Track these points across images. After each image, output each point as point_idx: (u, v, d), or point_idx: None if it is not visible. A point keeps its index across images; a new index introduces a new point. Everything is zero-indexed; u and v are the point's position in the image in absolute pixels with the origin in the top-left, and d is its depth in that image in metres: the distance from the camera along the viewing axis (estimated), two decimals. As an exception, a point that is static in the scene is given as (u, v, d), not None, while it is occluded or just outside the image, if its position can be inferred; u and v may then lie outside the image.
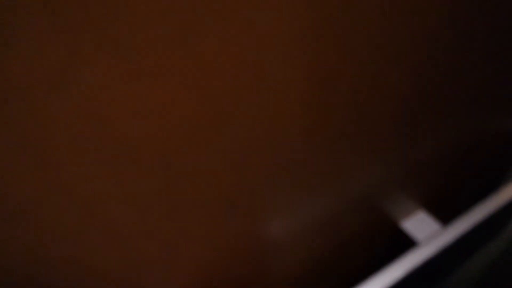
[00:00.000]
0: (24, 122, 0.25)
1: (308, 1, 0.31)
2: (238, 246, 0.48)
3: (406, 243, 0.83)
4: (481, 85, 0.63)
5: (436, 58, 0.49)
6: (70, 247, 0.33)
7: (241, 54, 0.31)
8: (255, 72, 0.33)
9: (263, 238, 0.51)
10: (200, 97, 0.31)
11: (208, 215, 0.41)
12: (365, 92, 0.44)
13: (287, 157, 0.43)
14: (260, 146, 0.39)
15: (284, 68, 0.35)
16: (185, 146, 0.33)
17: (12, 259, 0.32)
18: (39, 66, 0.23)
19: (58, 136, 0.27)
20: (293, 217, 0.53)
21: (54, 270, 0.34)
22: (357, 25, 0.37)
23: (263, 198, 0.45)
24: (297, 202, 0.51)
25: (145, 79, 0.27)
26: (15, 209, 0.29)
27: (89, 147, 0.28)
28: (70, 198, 0.30)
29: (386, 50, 0.42)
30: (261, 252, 0.54)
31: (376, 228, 0.77)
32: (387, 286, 0.66)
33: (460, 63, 0.53)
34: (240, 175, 0.40)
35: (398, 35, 0.41)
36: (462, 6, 0.44)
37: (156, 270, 0.41)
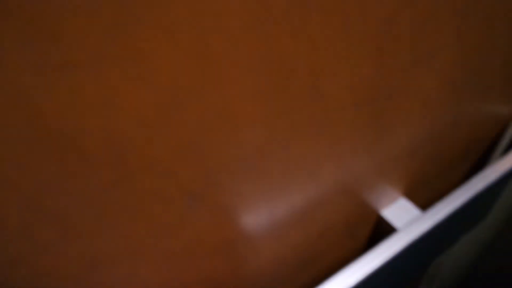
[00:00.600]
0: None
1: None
2: (206, 240, 0.47)
3: (387, 231, 0.83)
4: (455, 68, 0.63)
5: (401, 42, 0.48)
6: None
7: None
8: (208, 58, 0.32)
9: (234, 231, 0.50)
10: (146, 87, 0.30)
11: (169, 209, 0.40)
12: (329, 76, 0.44)
13: (253, 145, 0.43)
14: (219, 134, 0.39)
15: (231, 56, 0.34)
16: (134, 138, 0.33)
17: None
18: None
19: (-8, 128, 0.26)
20: (267, 208, 0.53)
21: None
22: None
23: (229, 189, 0.45)
24: (270, 193, 0.51)
25: (80, 70, 0.26)
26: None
27: (24, 141, 0.27)
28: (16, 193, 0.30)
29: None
30: (234, 246, 0.53)
31: (356, 218, 0.76)
32: (366, 274, 0.66)
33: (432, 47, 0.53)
34: (199, 165, 0.39)
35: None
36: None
37: (118, 268, 0.41)
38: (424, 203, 0.97)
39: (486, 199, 0.85)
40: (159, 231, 0.41)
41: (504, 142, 1.03)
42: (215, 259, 0.51)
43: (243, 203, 0.48)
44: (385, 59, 0.49)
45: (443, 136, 0.80)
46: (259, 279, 0.65)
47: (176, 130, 0.35)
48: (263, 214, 0.53)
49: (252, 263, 0.59)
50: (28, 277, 0.34)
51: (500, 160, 0.81)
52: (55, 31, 0.24)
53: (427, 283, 1.45)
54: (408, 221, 0.77)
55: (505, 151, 1.06)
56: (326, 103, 0.46)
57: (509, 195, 1.16)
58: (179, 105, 0.34)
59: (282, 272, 0.70)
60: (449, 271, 1.39)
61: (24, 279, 0.34)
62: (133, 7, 0.26)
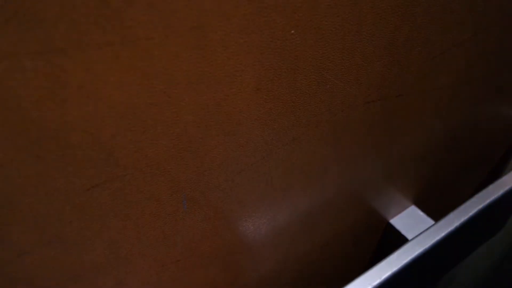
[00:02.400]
0: None
1: None
2: (202, 248, 0.44)
3: (397, 240, 0.78)
4: (472, 67, 0.59)
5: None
6: None
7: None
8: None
9: (232, 238, 0.47)
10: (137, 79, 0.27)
11: (162, 213, 0.37)
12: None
13: (254, 145, 0.39)
14: (217, 132, 0.35)
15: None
16: (124, 134, 0.30)
17: None
18: None
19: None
20: (268, 215, 0.49)
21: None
22: None
23: (228, 192, 0.41)
24: (272, 198, 0.47)
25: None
26: None
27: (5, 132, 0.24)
28: None
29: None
30: (232, 255, 0.50)
31: (364, 226, 0.73)
32: (376, 285, 0.62)
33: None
34: (195, 166, 0.36)
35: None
36: None
37: (104, 279, 0.37)
38: (436, 213, 0.93)
39: (503, 209, 0.81)
40: (150, 237, 0.38)
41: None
42: (211, 269, 0.48)
43: (242, 208, 0.44)
44: (397, 55, 0.45)
45: (457, 141, 0.76)
46: (260, 290, 0.61)
47: (171, 126, 0.32)
48: (263, 221, 0.49)
49: (251, 273, 0.56)
50: None
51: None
52: (35, 12, 0.21)
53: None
54: (419, 231, 0.73)
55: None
56: (334, 99, 0.43)
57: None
58: (174, 99, 0.30)
59: (285, 282, 0.66)
60: (462, 286, 1.34)
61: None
62: (118, -17, 0.23)
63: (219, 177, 0.39)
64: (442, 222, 0.69)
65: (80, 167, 0.29)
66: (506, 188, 0.74)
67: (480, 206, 0.71)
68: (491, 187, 0.73)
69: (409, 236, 0.71)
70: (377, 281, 0.60)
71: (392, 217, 0.77)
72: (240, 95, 0.34)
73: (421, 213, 0.76)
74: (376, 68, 0.44)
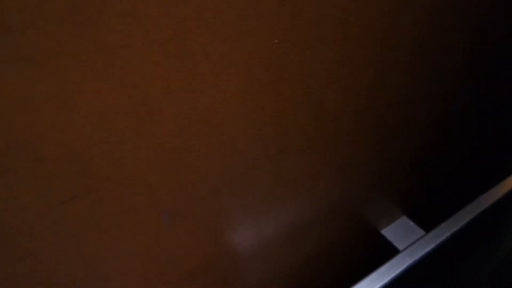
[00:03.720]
0: None
1: None
2: (186, 261, 0.42)
3: (388, 251, 0.77)
4: (462, 72, 0.59)
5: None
6: None
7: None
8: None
9: (217, 252, 0.45)
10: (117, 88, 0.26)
11: (143, 226, 0.36)
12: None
13: (240, 156, 0.38)
14: (200, 142, 0.34)
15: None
16: (101, 145, 0.28)
17: None
18: None
19: None
20: (255, 227, 0.48)
21: None
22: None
23: (213, 205, 0.40)
24: (259, 210, 0.46)
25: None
26: None
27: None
28: None
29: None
30: (217, 268, 0.48)
31: (355, 237, 0.71)
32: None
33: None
34: (178, 177, 0.35)
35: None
36: None
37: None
38: (427, 223, 0.92)
39: (494, 219, 0.80)
40: (130, 251, 0.37)
41: None
42: (196, 283, 0.46)
43: (228, 220, 0.43)
44: (386, 63, 0.45)
45: (448, 151, 0.76)
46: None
47: (151, 136, 0.31)
48: (250, 233, 0.48)
49: (239, 286, 0.54)
50: None
51: (507, 179, 0.77)
52: (1, 20, 0.20)
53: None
54: (410, 242, 0.72)
55: None
56: (322, 109, 0.42)
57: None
58: (154, 109, 0.29)
59: (274, 295, 0.64)
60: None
61: None
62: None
63: (203, 189, 0.38)
64: (433, 233, 0.68)
65: (53, 179, 0.28)
66: (497, 198, 0.73)
67: (471, 217, 0.70)
68: (482, 198, 0.73)
69: (400, 247, 0.71)
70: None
71: (383, 227, 0.76)
72: (224, 105, 0.33)
73: (412, 224, 0.75)
74: (364, 77, 0.43)
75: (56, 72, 0.24)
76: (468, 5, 0.49)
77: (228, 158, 0.37)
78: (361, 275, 0.82)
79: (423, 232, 0.74)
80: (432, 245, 0.65)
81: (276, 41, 0.33)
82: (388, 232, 0.74)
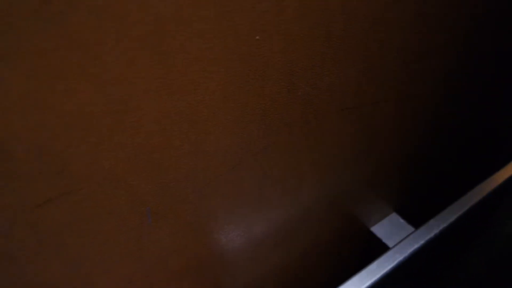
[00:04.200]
0: None
1: None
2: (171, 262, 0.42)
3: (378, 249, 0.77)
4: (453, 70, 0.59)
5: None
6: None
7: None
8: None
9: (203, 252, 0.45)
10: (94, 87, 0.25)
11: (125, 228, 0.35)
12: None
13: (223, 155, 0.38)
14: (182, 141, 0.34)
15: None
16: (78, 145, 0.28)
17: None
18: None
19: None
20: (242, 226, 0.47)
21: None
22: None
23: (197, 204, 0.39)
24: (245, 209, 0.46)
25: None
26: None
27: None
28: None
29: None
30: (203, 269, 0.48)
31: (344, 235, 0.71)
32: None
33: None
34: (160, 177, 0.34)
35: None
36: None
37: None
38: (417, 219, 0.93)
39: (482, 214, 0.81)
40: (113, 253, 0.36)
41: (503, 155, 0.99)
42: (183, 283, 0.46)
43: (213, 220, 0.43)
44: (371, 60, 0.44)
45: (437, 148, 0.76)
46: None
47: (130, 136, 0.30)
48: (237, 233, 0.47)
49: (228, 287, 0.54)
50: None
51: (498, 172, 0.77)
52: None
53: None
54: (400, 238, 0.72)
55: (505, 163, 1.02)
56: (308, 107, 0.42)
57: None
58: (132, 107, 0.29)
59: (264, 295, 0.64)
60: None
61: None
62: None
63: (186, 189, 0.37)
64: (422, 229, 0.68)
65: (28, 181, 0.27)
66: (485, 194, 0.74)
67: (459, 213, 0.70)
68: (470, 194, 0.73)
69: (390, 244, 0.71)
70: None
71: (373, 224, 0.76)
72: (205, 103, 0.33)
73: (401, 220, 0.75)
74: (350, 75, 0.43)
75: (26, 71, 0.23)
76: (458, 1, 0.49)
77: (211, 157, 0.37)
78: (351, 273, 0.82)
79: (412, 229, 0.74)
80: (421, 242, 0.65)
81: (257, 37, 0.32)
82: (378, 229, 0.74)
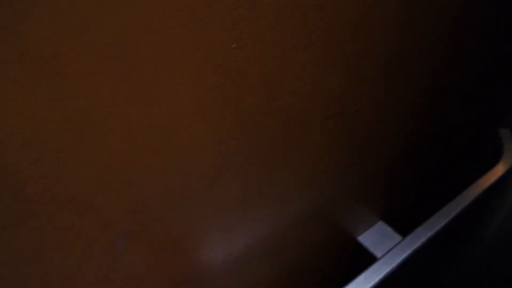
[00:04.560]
0: None
1: None
2: (146, 282, 0.39)
3: (366, 259, 0.76)
4: (430, 78, 0.58)
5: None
6: None
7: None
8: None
9: (182, 271, 0.42)
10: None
11: (95, 253, 0.32)
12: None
13: (200, 171, 0.36)
14: (153, 158, 0.31)
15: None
16: (36, 165, 0.25)
17: None
18: None
19: None
20: (223, 243, 0.45)
21: None
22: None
23: (173, 224, 0.37)
24: (226, 224, 0.43)
25: None
26: None
27: None
28: None
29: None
30: (190, 285, 0.45)
31: (331, 246, 0.70)
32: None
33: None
34: (131, 198, 0.32)
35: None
36: None
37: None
38: (404, 226, 0.92)
39: (469, 220, 0.80)
40: (82, 280, 0.33)
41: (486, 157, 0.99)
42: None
43: (191, 238, 0.40)
44: (353, 67, 0.43)
45: (423, 154, 0.75)
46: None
47: (95, 154, 0.28)
48: (218, 249, 0.45)
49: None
50: None
51: (482, 177, 0.77)
52: None
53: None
54: (387, 248, 0.71)
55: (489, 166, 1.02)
56: (288, 117, 0.40)
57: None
58: (97, 123, 0.26)
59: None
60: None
61: None
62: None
63: (162, 207, 0.35)
64: (409, 238, 0.67)
65: None
66: (470, 200, 0.73)
67: (447, 220, 0.70)
68: (456, 200, 0.72)
69: (377, 254, 0.69)
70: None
71: (360, 234, 0.74)
72: (178, 117, 0.31)
73: (389, 229, 0.74)
74: (331, 83, 0.42)
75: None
76: (441, 7, 0.48)
77: (188, 173, 0.35)
78: (339, 285, 0.80)
79: (400, 237, 0.73)
80: (409, 251, 0.64)
81: (233, 45, 0.31)
82: (365, 239, 0.73)
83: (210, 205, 0.39)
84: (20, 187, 0.25)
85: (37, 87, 0.23)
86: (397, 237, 0.73)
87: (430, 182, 0.90)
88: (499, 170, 0.79)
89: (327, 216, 0.62)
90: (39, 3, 0.20)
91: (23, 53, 0.21)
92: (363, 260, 0.76)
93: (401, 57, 0.49)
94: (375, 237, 0.74)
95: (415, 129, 0.66)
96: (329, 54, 0.39)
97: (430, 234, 0.67)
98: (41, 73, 0.22)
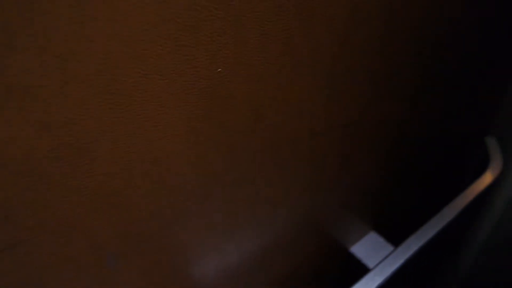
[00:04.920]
0: None
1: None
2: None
3: (358, 270, 0.76)
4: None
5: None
6: None
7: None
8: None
9: (178, 287, 0.42)
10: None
11: (83, 271, 0.33)
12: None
13: (187, 189, 0.36)
14: (147, 181, 0.32)
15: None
16: (24, 187, 0.26)
17: None
18: None
19: None
20: (213, 259, 0.45)
21: None
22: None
23: (163, 242, 0.37)
24: (221, 243, 0.44)
25: None
26: None
27: None
28: None
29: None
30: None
31: (323, 258, 0.70)
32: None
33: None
34: (120, 218, 0.32)
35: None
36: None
37: None
38: (396, 236, 0.92)
39: (461, 228, 0.81)
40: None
41: (473, 165, 1.01)
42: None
43: (183, 256, 0.40)
44: (338, 84, 0.44)
45: (414, 164, 0.76)
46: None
47: (85, 179, 0.28)
48: (210, 266, 0.45)
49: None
50: None
51: (471, 186, 0.78)
52: None
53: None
54: (380, 258, 0.71)
55: (476, 174, 1.04)
56: (276, 135, 0.41)
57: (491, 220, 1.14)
58: (85, 150, 0.27)
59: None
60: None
61: None
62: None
63: (152, 227, 0.35)
64: (401, 248, 0.68)
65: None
66: (460, 208, 0.74)
67: (438, 229, 0.70)
68: (446, 209, 0.73)
69: (370, 264, 0.70)
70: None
71: (352, 244, 0.75)
72: (167, 139, 0.31)
73: (381, 239, 0.74)
74: (318, 99, 0.42)
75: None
76: (424, 22, 0.49)
77: (177, 193, 0.35)
78: (333, 296, 0.80)
79: (391, 247, 0.74)
80: (401, 261, 0.64)
81: (219, 69, 0.31)
82: (357, 250, 0.73)
83: (200, 223, 0.40)
84: (7, 213, 0.25)
85: (24, 118, 0.23)
86: (389, 247, 0.73)
87: (420, 191, 0.91)
88: (487, 178, 0.80)
89: (318, 229, 0.62)
90: (22, 34, 0.21)
91: (8, 86, 0.22)
92: (356, 271, 0.76)
93: (386, 71, 0.50)
94: (367, 247, 0.74)
95: (403, 139, 0.67)
96: (315, 72, 0.40)
97: (421, 243, 0.67)
98: (28, 104, 0.23)
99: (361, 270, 0.74)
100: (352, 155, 0.56)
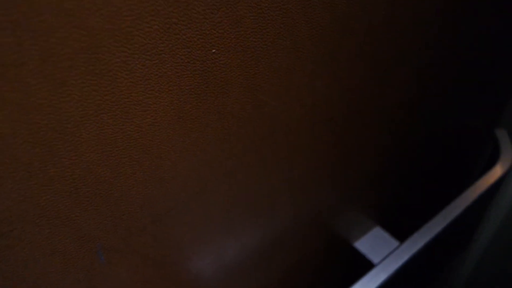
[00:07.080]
0: None
1: None
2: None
3: (363, 266, 0.74)
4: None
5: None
6: None
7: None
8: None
9: (171, 285, 0.41)
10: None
11: (70, 266, 0.31)
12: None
13: (182, 181, 0.34)
14: (136, 170, 0.30)
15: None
16: (13, 179, 0.24)
17: None
18: None
19: None
20: (212, 254, 0.44)
21: None
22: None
23: (156, 236, 0.36)
24: (213, 236, 0.42)
25: None
26: None
27: None
28: None
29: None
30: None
31: (326, 253, 0.68)
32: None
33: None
34: (111, 209, 0.30)
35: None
36: None
37: None
38: (402, 232, 0.90)
39: (467, 224, 0.79)
40: (58, 299, 0.32)
41: (482, 162, 0.98)
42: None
43: (177, 251, 0.39)
44: (340, 72, 0.42)
45: (419, 158, 0.74)
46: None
47: (68, 167, 0.26)
48: (207, 262, 0.43)
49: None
50: None
51: (480, 180, 0.76)
52: None
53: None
54: (384, 254, 0.69)
55: (484, 170, 1.01)
56: (276, 124, 0.38)
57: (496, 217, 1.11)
58: (68, 135, 0.25)
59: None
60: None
61: None
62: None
63: (143, 220, 0.33)
64: (407, 243, 0.65)
65: None
66: (469, 202, 0.72)
67: (444, 224, 0.68)
68: (453, 204, 0.71)
69: (374, 260, 0.68)
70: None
71: (357, 239, 0.73)
72: (157, 125, 0.29)
73: (385, 234, 0.72)
74: (319, 87, 0.40)
75: None
76: (432, 9, 0.47)
77: (170, 184, 0.33)
78: (336, 292, 0.78)
79: (397, 243, 0.72)
80: (406, 257, 0.62)
81: (213, 51, 0.29)
82: (362, 245, 0.71)
83: (195, 216, 0.38)
84: (-15, 204, 0.24)
85: (-1, 99, 0.21)
86: (394, 243, 0.71)
87: (427, 185, 0.88)
88: (497, 171, 0.78)
89: (321, 223, 0.60)
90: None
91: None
92: (360, 266, 0.74)
93: (389, 59, 0.47)
94: (372, 242, 0.72)
95: (410, 131, 0.64)
96: (316, 58, 0.37)
97: (428, 239, 0.65)
98: (2, 84, 0.21)
99: (366, 265, 0.72)
100: (356, 147, 0.53)
